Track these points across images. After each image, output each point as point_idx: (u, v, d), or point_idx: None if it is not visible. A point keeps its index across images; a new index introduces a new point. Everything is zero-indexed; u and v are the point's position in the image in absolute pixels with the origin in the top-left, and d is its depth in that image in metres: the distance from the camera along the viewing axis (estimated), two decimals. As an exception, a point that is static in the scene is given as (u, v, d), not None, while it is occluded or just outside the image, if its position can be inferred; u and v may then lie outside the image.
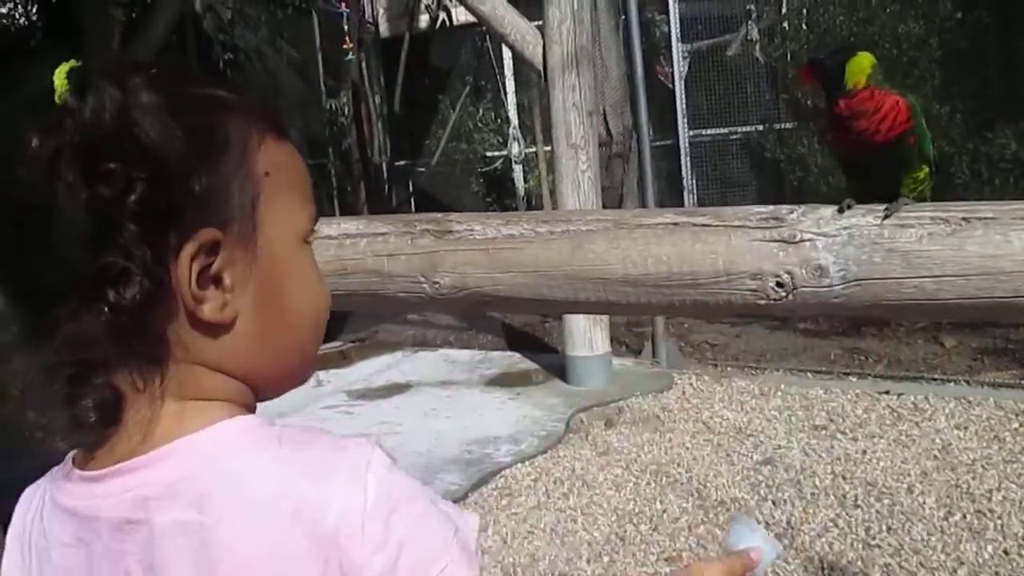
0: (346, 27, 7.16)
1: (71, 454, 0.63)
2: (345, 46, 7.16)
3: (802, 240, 1.10)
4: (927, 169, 1.22)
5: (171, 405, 0.59)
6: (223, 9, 7.14)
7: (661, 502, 3.20)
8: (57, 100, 0.56)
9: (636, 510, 3.15)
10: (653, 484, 3.37)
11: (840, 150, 1.24)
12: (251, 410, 0.63)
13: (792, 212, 1.13)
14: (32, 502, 0.65)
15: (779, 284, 1.10)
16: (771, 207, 1.15)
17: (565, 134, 4.43)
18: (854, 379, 4.48)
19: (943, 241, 1.05)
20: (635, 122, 5.02)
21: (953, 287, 1.05)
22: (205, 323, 0.59)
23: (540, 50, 4.43)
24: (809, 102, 5.61)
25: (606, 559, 2.83)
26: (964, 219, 1.06)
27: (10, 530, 0.66)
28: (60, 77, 0.56)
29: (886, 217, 1.07)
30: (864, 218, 1.09)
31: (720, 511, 3.08)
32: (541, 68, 4.45)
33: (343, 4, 7.21)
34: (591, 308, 1.23)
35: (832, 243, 1.09)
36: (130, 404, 0.58)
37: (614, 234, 1.18)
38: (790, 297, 1.11)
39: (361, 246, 1.29)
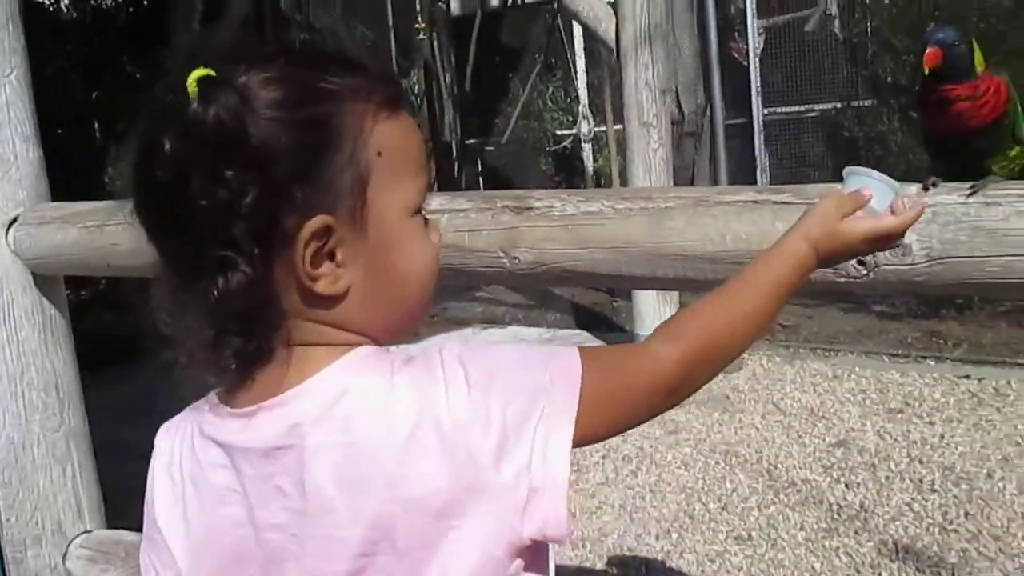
0: (419, 6, 7.21)
1: (212, 392, 0.72)
2: (417, 25, 7.21)
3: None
4: (1019, 149, 1.20)
5: (299, 352, 0.68)
6: (299, -11, 7.28)
7: (731, 482, 3.20)
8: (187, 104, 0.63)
9: (705, 489, 3.15)
10: (722, 464, 3.36)
11: (934, 132, 1.22)
12: None
13: (875, 189, 1.12)
14: (178, 435, 0.75)
15: (860, 262, 1.10)
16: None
17: (637, 113, 4.40)
18: (932, 363, 4.37)
19: (1031, 219, 1.04)
20: (708, 101, 4.96)
21: (1041, 265, 1.04)
22: (321, 296, 0.67)
23: (613, 27, 4.40)
24: (890, 79, 5.45)
25: (675, 536, 2.85)
26: (1054, 197, 1.04)
27: (156, 461, 0.76)
28: (192, 83, 0.63)
29: (972, 194, 1.06)
30: (950, 196, 1.08)
31: (791, 492, 3.07)
32: (614, 46, 4.43)
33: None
34: (669, 284, 1.25)
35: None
36: (264, 353, 0.68)
37: (693, 211, 1.19)
38: (871, 275, 1.10)
39: (443, 222, 1.33)
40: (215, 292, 0.64)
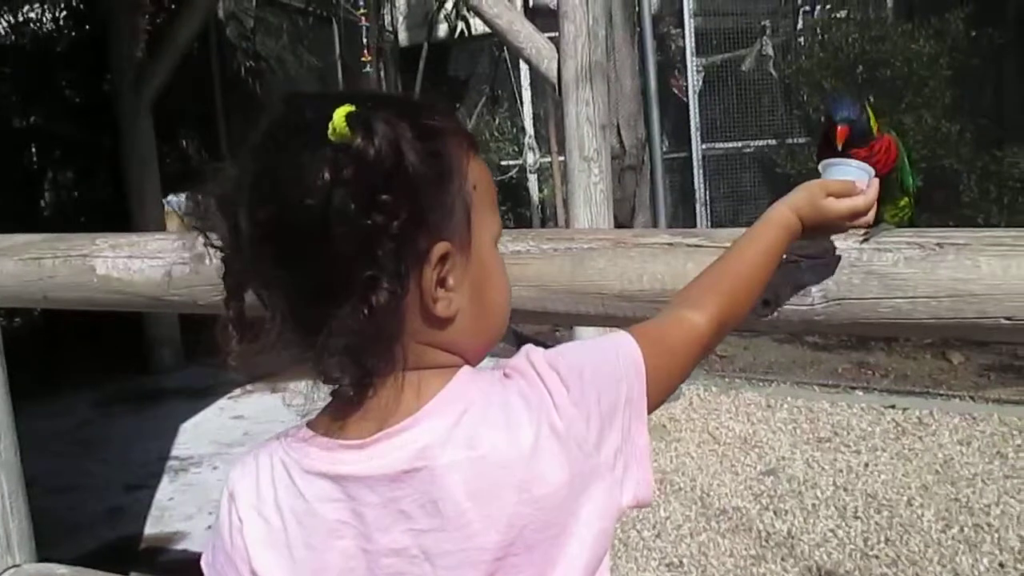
0: (365, 40, 7.27)
1: (300, 425, 0.75)
2: (363, 58, 7.27)
3: (787, 261, 1.17)
4: (907, 200, 1.29)
5: (412, 376, 0.72)
6: (246, 17, 7.28)
7: (665, 510, 3.27)
8: (332, 138, 0.67)
9: (640, 516, 3.22)
10: (658, 492, 3.44)
11: None
12: None
13: (779, 235, 1.20)
14: (261, 473, 0.75)
15: (765, 302, 1.18)
16: (759, 229, 1.22)
17: (578, 147, 4.51)
18: (860, 393, 4.53)
19: (917, 265, 1.13)
20: (648, 135, 5.10)
21: (926, 308, 1.12)
22: (437, 318, 0.72)
23: (555, 64, 4.51)
24: (823, 118, 5.67)
25: (609, 563, 2.90)
26: (938, 244, 1.13)
27: (238, 503, 0.76)
28: (340, 119, 0.67)
29: (864, 240, 1.14)
30: (846, 241, 1.17)
31: (722, 519, 3.15)
32: (556, 82, 4.54)
33: (363, 19, 7.31)
34: (591, 321, 1.31)
35: (815, 264, 1.16)
36: (380, 381, 0.71)
37: (613, 252, 1.26)
38: (775, 314, 1.18)
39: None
40: (365, 310, 0.67)
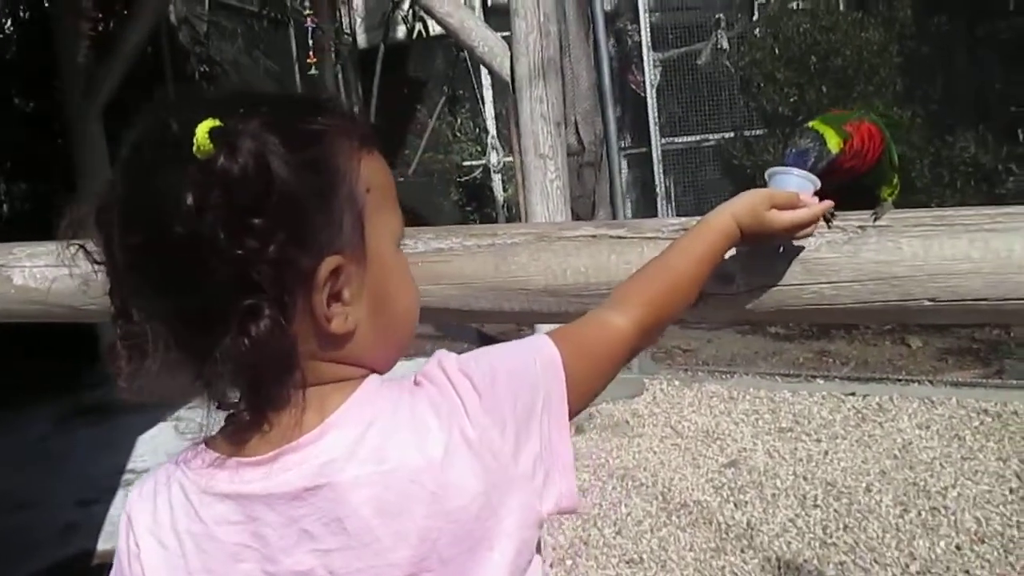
0: (310, 42, 7.19)
1: (191, 448, 0.71)
2: (309, 60, 7.19)
3: (709, 250, 1.15)
4: (897, 176, 1.27)
5: (313, 392, 0.68)
6: (199, 21, 7.19)
7: (626, 506, 3.26)
8: (197, 155, 0.62)
9: (601, 514, 3.20)
10: (619, 488, 3.42)
11: (832, 184, 1.25)
12: None
13: (703, 223, 1.18)
14: (159, 497, 0.71)
15: (690, 292, 1.16)
16: (685, 219, 1.20)
17: (533, 144, 4.49)
18: (821, 381, 4.55)
19: (839, 249, 1.11)
20: (604, 131, 5.09)
21: (849, 292, 1.11)
22: (334, 336, 0.68)
23: (508, 62, 4.49)
24: (781, 109, 5.69)
25: (569, 563, 2.88)
26: (860, 227, 1.12)
27: (135, 529, 0.72)
28: (203, 135, 0.62)
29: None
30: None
31: (683, 513, 3.14)
32: (509, 80, 4.51)
33: (309, 20, 7.24)
34: (515, 317, 1.29)
35: (738, 252, 1.14)
36: (282, 399, 0.67)
37: (536, 247, 1.23)
38: (700, 303, 1.16)
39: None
40: (245, 341, 0.63)
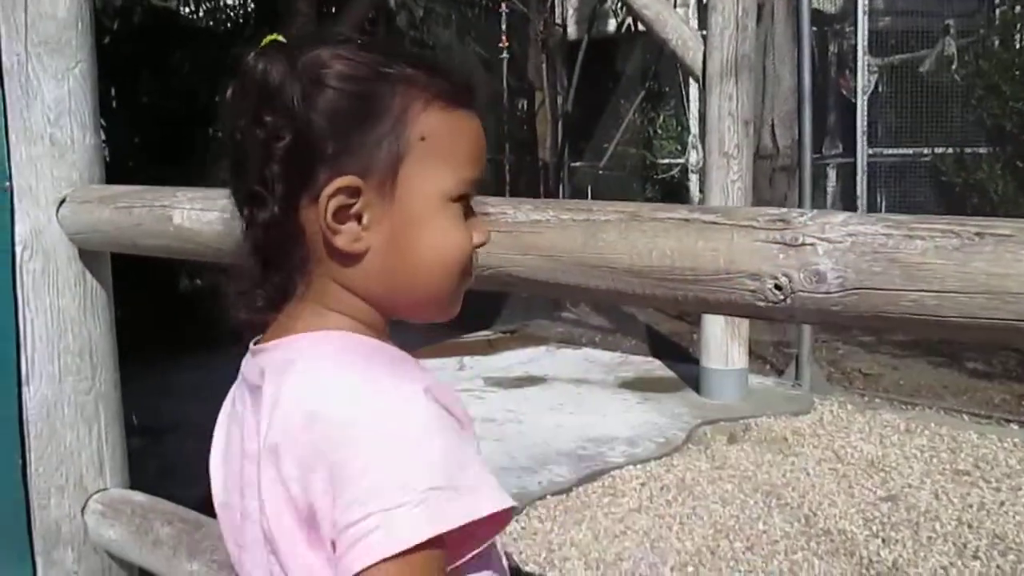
0: (503, 26, 7.34)
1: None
2: (501, 44, 7.34)
3: (804, 244, 1.08)
4: None
5: (309, 307, 0.75)
6: (415, 6, 7.54)
7: (764, 523, 3.11)
8: (252, 59, 0.73)
9: (736, 527, 3.08)
10: (761, 504, 3.27)
11: None
12: (375, 327, 0.76)
13: (802, 216, 1.11)
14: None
15: (777, 287, 1.09)
16: (784, 209, 1.13)
17: (718, 142, 4.36)
18: (1015, 427, 4.12)
19: (948, 255, 1.00)
20: (799, 136, 4.86)
21: (953, 304, 1.00)
22: (339, 251, 0.72)
23: (700, 56, 4.38)
24: (1008, 125, 5.18)
25: (690, 569, 2.80)
26: (977, 234, 1.01)
27: (220, 415, 0.85)
28: (266, 42, 0.74)
29: None
30: (873, 226, 1.06)
31: (824, 540, 2.96)
32: (700, 74, 4.41)
33: (504, 5, 7.39)
34: (600, 295, 1.26)
35: (834, 249, 1.06)
36: (288, 293, 0.76)
37: (627, 226, 1.20)
38: (788, 301, 1.09)
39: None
40: (244, 224, 0.73)
